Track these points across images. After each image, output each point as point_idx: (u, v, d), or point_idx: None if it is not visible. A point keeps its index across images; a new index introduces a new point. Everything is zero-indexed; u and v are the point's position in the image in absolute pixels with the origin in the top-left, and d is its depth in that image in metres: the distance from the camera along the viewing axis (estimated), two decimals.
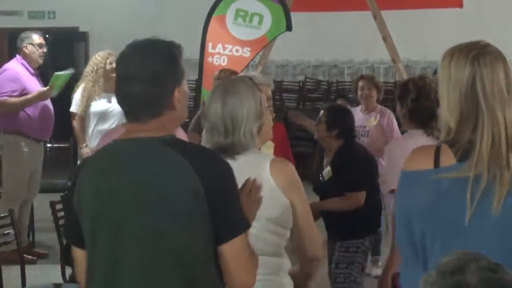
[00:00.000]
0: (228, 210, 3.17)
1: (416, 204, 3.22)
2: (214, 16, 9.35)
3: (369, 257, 7.28)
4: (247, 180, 3.48)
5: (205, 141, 4.33)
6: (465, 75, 3.14)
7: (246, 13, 9.56)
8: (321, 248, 4.45)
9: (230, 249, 3.08)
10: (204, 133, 5.04)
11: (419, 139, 5.25)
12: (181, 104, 3.19)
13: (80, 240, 3.24)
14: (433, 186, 3.15)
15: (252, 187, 3.40)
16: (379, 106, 8.68)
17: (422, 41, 14.95)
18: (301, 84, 15.64)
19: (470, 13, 14.48)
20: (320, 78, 16.08)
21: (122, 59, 3.26)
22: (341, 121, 6.89)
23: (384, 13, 11.79)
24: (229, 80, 5.42)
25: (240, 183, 3.30)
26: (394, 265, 4.53)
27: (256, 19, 9.70)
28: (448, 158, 3.14)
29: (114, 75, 4.49)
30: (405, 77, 9.92)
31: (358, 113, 8.42)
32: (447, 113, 3.20)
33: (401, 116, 5.88)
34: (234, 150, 3.95)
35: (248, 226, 3.19)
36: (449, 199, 3.12)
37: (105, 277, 3.04)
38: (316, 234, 4.16)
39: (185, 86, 3.27)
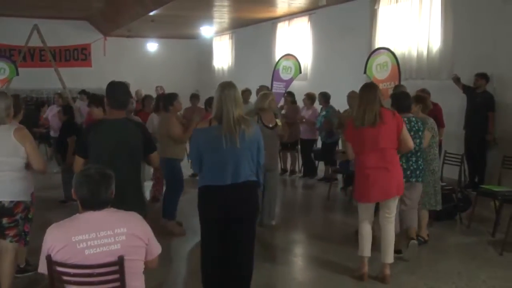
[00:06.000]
0: (150, 143, 4.54)
1: (201, 141, 4.26)
2: None
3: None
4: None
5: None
6: (218, 93, 4.22)
7: None
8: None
9: (152, 156, 4.55)
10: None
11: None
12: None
13: (86, 155, 4.36)
14: (208, 133, 4.22)
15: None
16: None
17: (80, 81, 16.07)
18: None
19: (96, 70, 16.80)
20: (33, 95, 17.59)
21: (114, 86, 4.50)
22: (70, 110, 8.77)
23: (60, 69, 14.21)
24: None
25: None
26: None
27: (2, 71, 12.70)
28: (215, 122, 4.23)
29: None
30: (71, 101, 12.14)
31: None
32: (215, 108, 4.24)
33: None
34: None
35: (156, 148, 4.59)
36: (215, 139, 4.16)
37: (111, 162, 3.93)
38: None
39: None
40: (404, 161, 5.94)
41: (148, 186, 8.98)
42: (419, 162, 6.08)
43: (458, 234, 7.03)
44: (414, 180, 6.06)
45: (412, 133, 5.87)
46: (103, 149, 4.29)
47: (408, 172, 6.02)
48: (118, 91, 4.49)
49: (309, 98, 11.48)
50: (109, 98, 4.47)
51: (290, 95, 11.71)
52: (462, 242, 6.72)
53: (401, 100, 6.08)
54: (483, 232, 7.16)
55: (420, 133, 6.04)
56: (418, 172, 6.07)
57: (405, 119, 5.91)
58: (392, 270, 5.58)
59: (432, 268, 5.88)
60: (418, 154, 6.09)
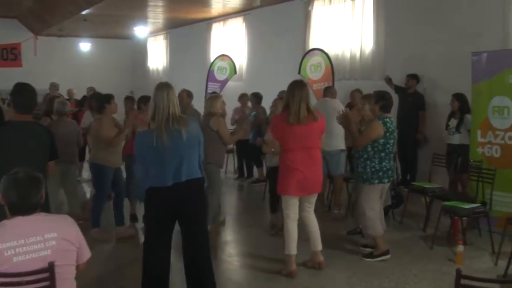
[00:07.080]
0: (54, 150, 4.47)
1: (144, 143, 4.19)
2: None
3: None
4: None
5: None
6: (152, 95, 4.22)
7: None
8: None
9: (49, 164, 4.36)
10: None
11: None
12: None
13: None
14: (147, 136, 4.18)
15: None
16: None
17: (10, 81, 13.44)
18: None
19: (27, 71, 14.99)
20: None
21: (20, 90, 4.34)
22: None
23: None
24: None
25: None
26: None
27: None
28: (152, 126, 4.19)
29: None
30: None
31: None
32: (151, 109, 4.23)
33: None
34: None
35: (56, 157, 4.46)
36: (152, 139, 4.10)
37: (15, 163, 3.30)
38: None
39: None
40: (377, 162, 5.87)
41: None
42: (391, 162, 6.02)
43: (391, 230, 7.09)
44: (386, 181, 5.96)
45: (388, 134, 5.83)
46: (1, 150, 4.19)
47: (381, 174, 5.92)
48: (22, 95, 4.35)
49: (241, 97, 11.38)
50: (13, 101, 4.34)
51: None
52: (395, 238, 6.82)
53: (389, 100, 5.94)
54: (414, 227, 7.34)
55: (394, 133, 5.93)
56: (390, 173, 5.97)
57: (381, 121, 5.83)
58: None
59: (366, 263, 5.96)
60: (391, 155, 6.01)
